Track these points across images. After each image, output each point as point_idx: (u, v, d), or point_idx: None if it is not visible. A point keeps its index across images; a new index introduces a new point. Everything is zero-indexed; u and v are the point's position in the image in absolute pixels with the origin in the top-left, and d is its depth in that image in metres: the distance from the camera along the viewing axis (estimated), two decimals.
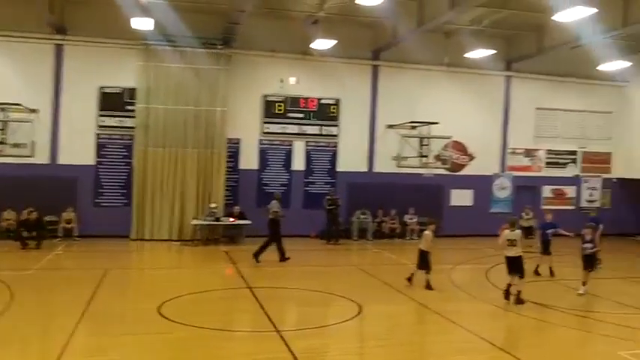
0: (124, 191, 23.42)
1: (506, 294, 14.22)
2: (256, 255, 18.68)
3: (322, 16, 21.78)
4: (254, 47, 24.08)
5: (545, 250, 18.00)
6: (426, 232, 16.12)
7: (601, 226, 18.29)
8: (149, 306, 12.85)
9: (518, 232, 14.50)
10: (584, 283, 15.24)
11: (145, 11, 19.51)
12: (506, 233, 14.27)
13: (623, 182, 29.22)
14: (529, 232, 21.45)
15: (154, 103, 22.97)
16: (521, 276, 14.18)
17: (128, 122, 23.23)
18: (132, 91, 23.12)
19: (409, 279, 15.86)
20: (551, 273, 17.89)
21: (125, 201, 23.37)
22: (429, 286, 15.47)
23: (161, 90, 23.03)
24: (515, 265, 14.23)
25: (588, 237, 15.34)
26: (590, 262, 15.32)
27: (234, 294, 14.92)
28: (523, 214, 22.99)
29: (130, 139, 23.34)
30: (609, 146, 29.68)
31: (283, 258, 18.95)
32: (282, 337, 11.03)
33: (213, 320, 12.19)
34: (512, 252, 14.23)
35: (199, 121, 23.35)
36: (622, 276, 18.44)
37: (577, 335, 12.25)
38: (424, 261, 15.63)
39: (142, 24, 19.83)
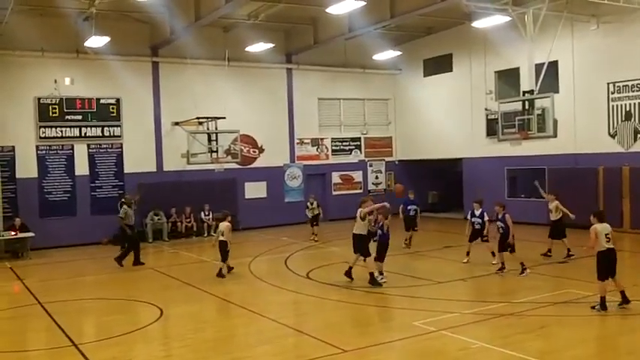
0: None
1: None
2: (119, 259, 18.43)
3: (94, 12, 20.80)
4: (21, 47, 22.57)
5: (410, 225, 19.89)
6: (225, 223, 16.40)
7: (418, 211, 20.15)
8: None
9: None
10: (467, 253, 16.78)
11: None
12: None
13: (405, 164, 31.17)
14: (315, 220, 22.82)
15: None
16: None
17: None
18: None
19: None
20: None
21: None
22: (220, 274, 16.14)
23: None
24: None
25: (477, 211, 16.42)
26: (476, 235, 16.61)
27: (25, 312, 13.85)
28: (308, 203, 23.50)
29: None
30: (389, 131, 31.52)
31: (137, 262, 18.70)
32: (80, 350, 10.43)
33: (4, 341, 11.27)
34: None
35: None
36: (410, 252, 19.53)
37: (376, 311, 12.82)
38: (224, 252, 16.18)
39: None
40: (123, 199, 20.60)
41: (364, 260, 14.66)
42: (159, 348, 11.03)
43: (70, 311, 13.50)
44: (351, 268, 14.82)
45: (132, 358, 10.42)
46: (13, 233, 21.35)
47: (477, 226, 16.38)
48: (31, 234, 21.60)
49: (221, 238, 16.27)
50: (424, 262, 17.95)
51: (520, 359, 9.15)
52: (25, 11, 20.94)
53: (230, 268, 16.72)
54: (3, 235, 21.26)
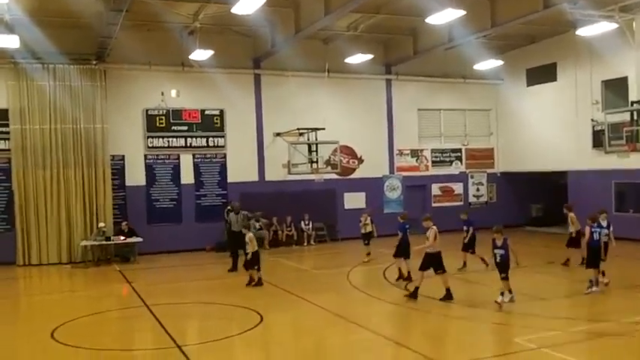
0: (5, 216, 22.47)
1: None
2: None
3: (198, 26, 21.61)
4: (130, 61, 23.66)
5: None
6: (249, 234, 16.76)
7: (471, 229, 18.60)
8: (42, 333, 12.35)
9: None
10: (502, 293, 13.64)
11: (9, 28, 18.78)
12: None
13: (507, 176, 30.46)
14: (367, 238, 20.93)
15: (29, 123, 22.19)
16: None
17: (3, 144, 22.35)
18: (4, 112, 22.22)
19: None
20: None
21: (7, 226, 22.43)
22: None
23: (36, 109, 22.28)
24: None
25: (499, 242, 13.70)
26: (503, 268, 13.66)
27: (132, 313, 14.55)
28: (361, 218, 21.40)
29: (6, 162, 22.42)
30: (491, 142, 30.90)
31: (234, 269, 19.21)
32: (184, 352, 10.82)
33: (112, 341, 11.88)
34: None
35: (79, 140, 22.72)
36: (512, 266, 18.92)
37: (476, 325, 12.52)
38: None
39: (8, 42, 19.06)
40: (229, 207, 21.21)
41: (440, 273, 14.29)
42: (259, 354, 11.27)
43: (174, 314, 13.99)
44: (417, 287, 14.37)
45: None
46: (122, 238, 22.37)
47: (498, 259, 13.66)
48: (139, 239, 22.56)
49: (249, 250, 16.50)
50: (526, 277, 17.36)
51: None
52: (133, 27, 21.84)
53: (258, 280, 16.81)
54: (113, 240, 22.30)
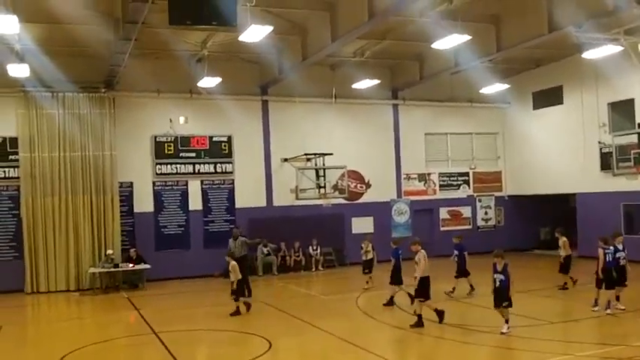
0: (14, 244, 22.52)
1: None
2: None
3: (206, 54, 21.78)
4: (138, 89, 23.88)
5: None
6: (232, 262, 16.61)
7: (466, 254, 18.55)
8: None
9: None
10: (507, 320, 13.19)
11: (19, 57, 19.00)
12: None
13: (515, 199, 30.40)
14: (367, 266, 20.41)
15: (38, 151, 22.32)
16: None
17: (12, 172, 22.49)
18: (14, 140, 22.41)
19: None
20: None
21: (16, 254, 22.47)
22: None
23: (45, 137, 22.42)
24: None
25: (499, 267, 13.31)
26: (500, 296, 13.23)
27: (140, 341, 14.49)
28: (363, 245, 20.79)
29: (15, 190, 22.53)
30: (498, 166, 30.90)
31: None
32: None
33: None
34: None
35: (88, 167, 22.84)
36: (521, 290, 18.88)
37: (488, 351, 12.41)
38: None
39: (18, 71, 19.31)
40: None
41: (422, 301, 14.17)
42: None
43: (183, 341, 13.94)
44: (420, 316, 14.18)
45: None
46: (130, 265, 22.39)
47: (497, 284, 13.23)
48: (147, 266, 22.58)
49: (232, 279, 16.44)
50: (536, 301, 17.31)
51: None
52: (142, 55, 22.08)
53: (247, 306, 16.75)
54: (121, 267, 22.31)
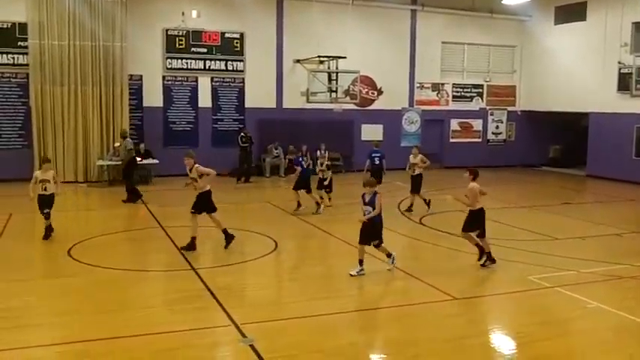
0: (23, 132, 22.44)
1: None
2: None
3: None
4: None
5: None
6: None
7: (384, 162, 18.60)
8: (59, 249, 12.53)
9: None
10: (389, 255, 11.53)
11: None
12: None
13: (527, 114, 30.05)
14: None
15: (48, 38, 21.80)
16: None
17: (21, 59, 22.11)
18: (24, 26, 21.89)
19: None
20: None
21: (25, 143, 22.41)
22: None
23: (55, 25, 21.85)
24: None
25: (367, 197, 11.22)
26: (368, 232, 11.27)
27: (147, 234, 14.63)
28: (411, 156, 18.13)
29: (24, 78, 22.20)
30: (514, 80, 30.38)
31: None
32: (198, 274, 10.93)
33: (126, 261, 12.00)
34: None
35: (98, 58, 22.41)
36: (527, 205, 19.00)
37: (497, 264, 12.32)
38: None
39: None
40: (242, 133, 21.04)
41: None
42: (270, 279, 11.43)
43: (189, 236, 14.01)
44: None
45: (246, 286, 10.85)
46: (139, 160, 22.33)
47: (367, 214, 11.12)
48: (155, 161, 22.59)
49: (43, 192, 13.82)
50: (541, 217, 17.35)
51: (637, 324, 8.77)
52: None
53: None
54: None
